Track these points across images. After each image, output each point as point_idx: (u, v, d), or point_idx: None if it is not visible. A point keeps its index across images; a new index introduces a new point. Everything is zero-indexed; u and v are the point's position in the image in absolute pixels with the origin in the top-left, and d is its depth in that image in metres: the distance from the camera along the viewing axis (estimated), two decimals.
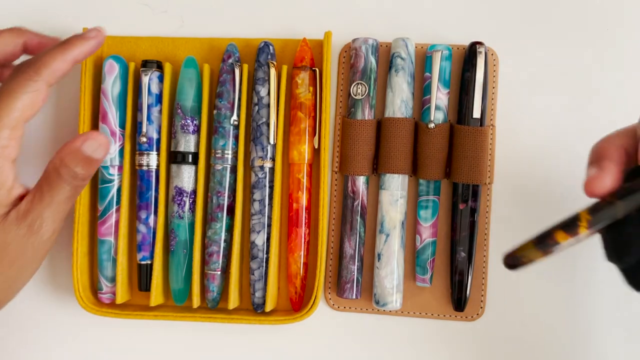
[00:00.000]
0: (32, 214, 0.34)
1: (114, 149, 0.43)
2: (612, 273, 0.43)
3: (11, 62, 0.41)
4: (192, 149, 0.43)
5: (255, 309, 0.43)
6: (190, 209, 0.43)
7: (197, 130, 0.43)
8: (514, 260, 0.32)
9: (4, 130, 0.34)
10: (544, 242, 0.31)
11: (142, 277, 0.44)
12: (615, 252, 0.31)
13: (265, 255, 0.43)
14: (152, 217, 0.43)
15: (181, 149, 0.43)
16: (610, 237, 0.31)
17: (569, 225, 0.31)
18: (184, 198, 0.43)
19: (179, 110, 0.43)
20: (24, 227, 0.34)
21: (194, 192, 0.43)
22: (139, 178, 0.43)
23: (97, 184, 0.44)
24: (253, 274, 0.43)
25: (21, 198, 0.35)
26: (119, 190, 0.43)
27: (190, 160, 0.43)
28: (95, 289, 0.45)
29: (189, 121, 0.43)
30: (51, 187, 0.35)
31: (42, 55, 0.36)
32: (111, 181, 0.43)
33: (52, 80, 0.36)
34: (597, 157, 0.32)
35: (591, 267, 0.44)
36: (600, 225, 0.30)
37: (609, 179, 0.30)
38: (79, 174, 0.36)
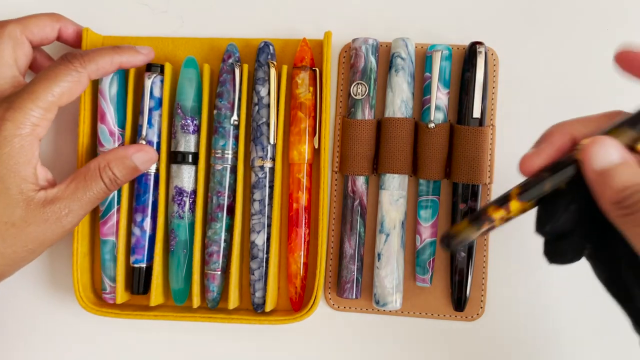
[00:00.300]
0: (60, 202, 0.36)
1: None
2: None
3: (44, 45, 0.43)
4: (192, 149, 0.43)
5: (255, 309, 0.43)
6: (190, 209, 0.43)
7: (197, 130, 0.43)
8: (448, 240, 0.33)
9: (37, 109, 0.35)
10: (478, 219, 0.32)
11: (134, 280, 0.43)
12: (539, 223, 0.31)
13: (265, 255, 0.43)
14: (147, 220, 0.43)
15: (181, 149, 0.43)
16: (538, 210, 0.31)
17: (501, 200, 0.31)
18: (184, 198, 0.43)
19: (179, 110, 0.43)
20: (49, 212, 0.35)
21: (194, 192, 0.43)
22: (137, 181, 0.43)
23: None
24: (253, 274, 0.43)
25: (47, 181, 0.37)
26: (119, 190, 0.43)
27: (190, 160, 0.43)
28: (95, 288, 0.45)
29: (189, 121, 0.43)
30: (87, 184, 0.37)
31: (91, 51, 0.38)
32: None
33: (93, 75, 0.38)
34: (541, 139, 0.33)
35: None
36: (529, 197, 0.31)
37: (540, 159, 0.31)
38: (118, 179, 0.38)
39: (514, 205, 0.31)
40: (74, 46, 0.44)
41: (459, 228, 0.32)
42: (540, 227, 0.31)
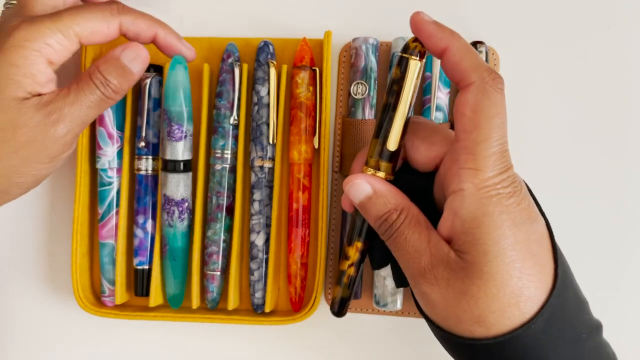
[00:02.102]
0: (52, 105, 0.34)
1: (112, 150, 0.43)
2: (611, 273, 0.43)
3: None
4: (179, 157, 0.41)
5: (255, 309, 0.43)
6: (179, 217, 0.42)
7: (184, 137, 0.41)
8: (333, 308, 0.36)
9: (56, 32, 0.34)
10: (338, 277, 0.35)
11: (138, 282, 0.43)
12: (372, 263, 0.36)
13: (265, 256, 0.43)
14: (149, 222, 0.43)
15: (168, 157, 0.41)
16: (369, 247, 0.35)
17: (343, 253, 0.35)
18: (172, 207, 0.42)
19: (166, 117, 0.41)
20: (41, 114, 0.34)
21: (184, 200, 0.42)
22: (137, 182, 0.43)
23: (97, 186, 0.44)
24: (253, 275, 0.43)
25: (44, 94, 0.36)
26: (118, 192, 0.43)
27: (178, 168, 0.42)
28: (95, 290, 0.45)
29: (175, 128, 0.41)
30: (80, 88, 0.35)
31: (134, 10, 0.38)
32: (110, 184, 0.43)
33: (125, 27, 0.37)
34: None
35: (590, 267, 0.43)
36: (351, 239, 0.34)
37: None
38: (111, 82, 0.36)
39: (349, 251, 0.34)
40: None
41: (334, 294, 0.36)
42: (372, 267, 0.36)
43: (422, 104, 0.43)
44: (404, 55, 0.32)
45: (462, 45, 0.30)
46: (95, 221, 0.44)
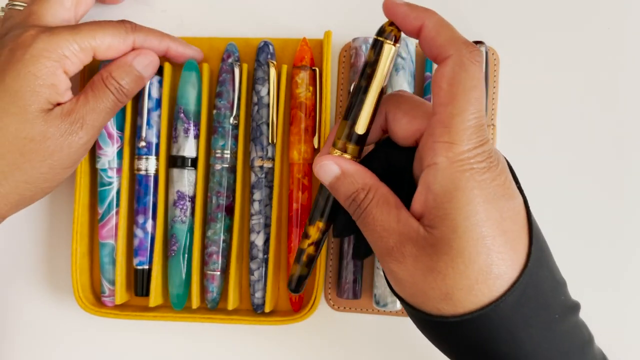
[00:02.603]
0: (75, 113, 0.36)
1: (112, 151, 0.43)
2: (611, 273, 0.43)
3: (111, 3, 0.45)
4: (193, 154, 0.43)
5: (255, 309, 0.43)
6: (192, 213, 0.43)
7: (199, 135, 0.43)
8: (290, 285, 0.37)
9: (74, 44, 0.36)
10: (297, 255, 0.36)
11: (138, 283, 0.43)
12: (333, 230, 0.36)
13: (264, 256, 0.43)
14: (149, 222, 0.43)
15: (183, 153, 0.42)
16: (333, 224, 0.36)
17: (305, 232, 0.35)
18: (186, 202, 0.42)
19: (182, 115, 0.42)
20: (66, 124, 0.36)
21: (195, 196, 0.43)
22: (137, 182, 0.43)
23: (97, 186, 0.44)
24: (253, 275, 0.43)
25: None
26: (118, 192, 0.43)
27: (190, 164, 0.43)
28: (95, 290, 0.45)
29: (191, 125, 0.42)
30: (96, 95, 0.37)
31: (145, 27, 0.40)
32: (110, 184, 0.43)
33: (138, 44, 0.39)
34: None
35: (591, 267, 0.43)
36: (313, 218, 0.35)
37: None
38: (124, 87, 0.38)
39: (310, 230, 0.35)
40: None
41: (292, 271, 0.36)
42: (333, 233, 0.36)
43: None
44: (378, 38, 0.32)
45: (438, 21, 0.30)
46: (95, 221, 0.44)
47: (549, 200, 0.44)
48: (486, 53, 0.42)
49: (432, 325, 0.30)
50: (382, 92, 0.32)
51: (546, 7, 0.44)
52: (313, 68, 0.43)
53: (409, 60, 0.42)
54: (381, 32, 0.32)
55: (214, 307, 0.43)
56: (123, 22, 0.38)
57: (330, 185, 0.33)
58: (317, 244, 0.35)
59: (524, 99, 0.44)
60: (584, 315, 0.32)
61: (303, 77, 0.43)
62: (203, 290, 0.43)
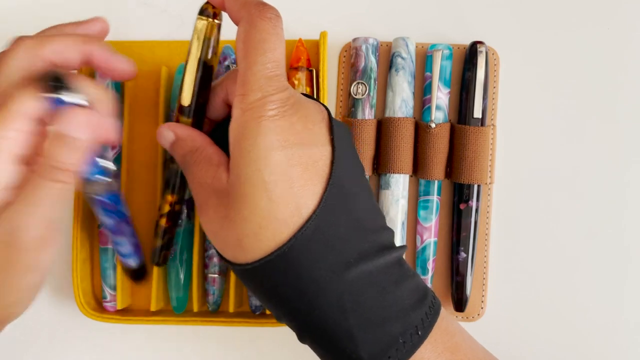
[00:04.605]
0: (6, 221, 0.29)
1: (110, 156, 0.42)
2: (611, 273, 0.44)
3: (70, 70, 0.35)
4: None
5: (253, 311, 0.43)
6: (188, 215, 0.43)
7: None
8: (152, 258, 0.38)
9: (16, 123, 0.29)
10: (155, 229, 0.38)
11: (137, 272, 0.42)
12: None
13: None
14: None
15: None
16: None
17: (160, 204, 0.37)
18: (182, 206, 0.42)
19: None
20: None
21: (191, 198, 0.42)
22: None
23: None
24: None
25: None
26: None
27: None
28: (96, 295, 0.44)
29: None
30: (33, 187, 0.30)
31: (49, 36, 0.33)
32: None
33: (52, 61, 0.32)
34: None
35: (591, 267, 0.44)
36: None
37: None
38: (61, 163, 0.30)
39: (162, 203, 0.37)
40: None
41: (154, 245, 0.38)
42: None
43: (422, 103, 0.43)
44: (197, 16, 0.34)
45: None
46: (95, 227, 0.44)
47: (549, 200, 0.44)
48: (486, 53, 0.42)
49: (240, 275, 0.31)
50: (209, 67, 0.34)
51: (546, 7, 0.44)
52: (310, 69, 0.43)
53: (409, 60, 0.42)
54: (200, 10, 0.34)
55: (216, 310, 0.43)
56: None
57: (169, 150, 0.34)
58: (170, 216, 0.37)
59: (524, 99, 0.44)
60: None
61: (300, 77, 0.42)
62: (204, 293, 0.43)
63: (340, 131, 0.31)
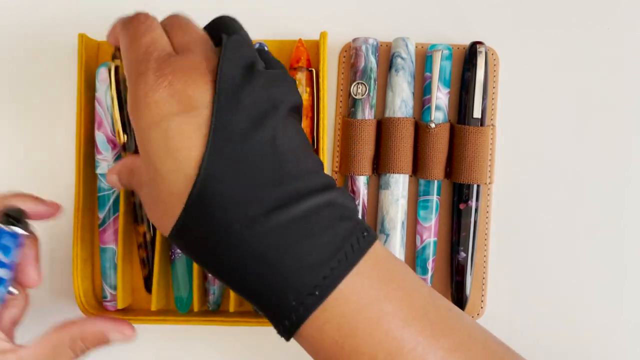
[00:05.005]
0: None
1: (112, 155, 0.42)
2: (611, 273, 0.44)
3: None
4: None
5: (255, 310, 0.43)
6: None
7: None
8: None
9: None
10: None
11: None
12: None
13: None
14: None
15: None
16: None
17: None
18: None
19: None
20: None
21: None
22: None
23: (96, 191, 0.43)
24: None
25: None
26: (118, 197, 0.43)
27: None
28: (97, 295, 0.45)
29: None
30: (56, 356, 0.34)
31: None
32: (110, 188, 0.43)
33: None
34: None
35: (591, 267, 0.44)
36: None
37: None
38: (88, 350, 0.36)
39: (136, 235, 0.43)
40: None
41: None
42: None
43: (422, 103, 0.43)
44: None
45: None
46: (95, 226, 0.44)
47: (548, 200, 0.44)
48: (486, 53, 0.42)
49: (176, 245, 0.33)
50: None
51: (546, 7, 0.44)
52: (310, 69, 0.43)
53: (409, 60, 0.42)
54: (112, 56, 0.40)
55: (216, 310, 0.43)
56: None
57: (123, 187, 0.35)
58: (145, 245, 0.42)
59: (524, 99, 0.44)
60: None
61: (300, 78, 0.42)
62: (204, 292, 0.43)
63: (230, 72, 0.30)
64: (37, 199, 0.36)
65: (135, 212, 0.43)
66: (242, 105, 0.29)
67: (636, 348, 0.44)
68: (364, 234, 0.29)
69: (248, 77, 0.30)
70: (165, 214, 0.30)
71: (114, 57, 0.40)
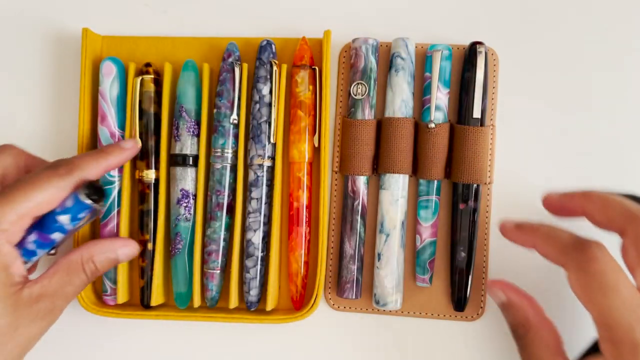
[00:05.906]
0: (46, 299, 0.34)
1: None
2: None
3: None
4: (195, 151, 0.43)
5: (248, 307, 0.43)
6: (195, 210, 0.43)
7: (198, 133, 0.43)
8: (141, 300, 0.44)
9: (11, 214, 0.33)
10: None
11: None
12: None
13: (261, 254, 0.43)
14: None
15: (187, 151, 0.43)
16: None
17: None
18: (190, 200, 0.43)
19: (184, 114, 0.43)
20: (35, 310, 0.34)
21: (196, 194, 0.43)
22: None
23: None
24: (248, 272, 0.43)
25: (25, 278, 0.34)
26: (119, 192, 0.43)
27: (195, 162, 0.43)
28: (97, 289, 0.45)
29: (194, 124, 0.43)
30: (70, 278, 0.36)
31: (77, 158, 0.36)
32: (112, 183, 0.43)
33: (79, 183, 0.36)
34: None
35: None
36: None
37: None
38: (100, 270, 0.38)
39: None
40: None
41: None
42: None
43: (421, 104, 0.43)
44: None
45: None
46: (97, 221, 0.44)
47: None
48: (485, 53, 0.42)
49: None
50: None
51: (546, 8, 0.44)
52: (313, 67, 0.43)
53: (409, 60, 0.43)
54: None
55: (213, 306, 0.44)
56: (56, 168, 0.35)
57: (500, 308, 0.38)
58: (144, 255, 0.42)
59: (523, 99, 0.44)
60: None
61: (303, 76, 0.43)
62: (203, 288, 0.44)
63: None
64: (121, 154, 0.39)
65: (141, 219, 0.43)
66: None
67: None
68: None
69: None
70: None
71: (141, 73, 0.42)
